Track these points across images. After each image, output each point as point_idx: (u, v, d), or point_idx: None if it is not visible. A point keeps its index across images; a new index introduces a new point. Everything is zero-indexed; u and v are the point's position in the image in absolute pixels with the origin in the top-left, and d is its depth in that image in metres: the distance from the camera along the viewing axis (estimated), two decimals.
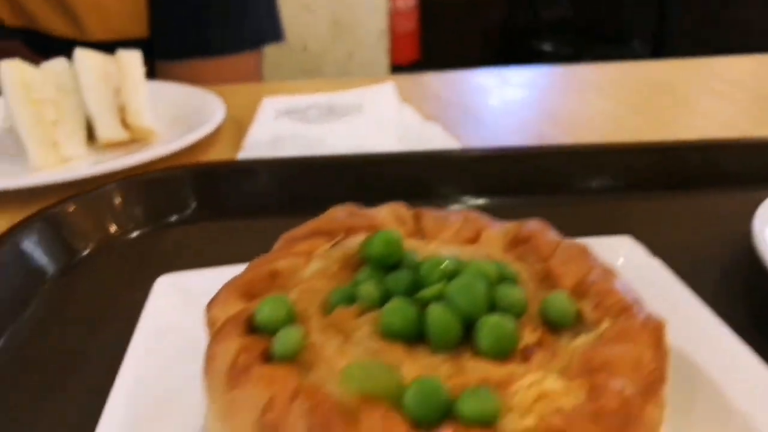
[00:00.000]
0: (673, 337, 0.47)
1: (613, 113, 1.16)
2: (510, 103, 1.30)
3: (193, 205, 0.77)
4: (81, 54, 1.02)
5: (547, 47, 3.82)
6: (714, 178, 0.77)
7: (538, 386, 0.32)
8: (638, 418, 0.31)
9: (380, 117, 1.14)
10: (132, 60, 1.06)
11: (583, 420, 0.30)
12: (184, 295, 0.55)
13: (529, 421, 0.30)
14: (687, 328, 0.48)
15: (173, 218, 0.76)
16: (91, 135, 1.06)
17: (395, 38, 3.34)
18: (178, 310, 0.53)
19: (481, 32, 4.03)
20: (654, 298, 0.43)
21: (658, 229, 0.65)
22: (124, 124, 1.06)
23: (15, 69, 0.98)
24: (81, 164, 1.00)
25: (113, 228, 0.73)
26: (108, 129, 1.04)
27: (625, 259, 0.56)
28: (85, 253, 0.70)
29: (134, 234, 0.74)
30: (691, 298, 0.51)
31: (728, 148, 0.81)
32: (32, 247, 0.66)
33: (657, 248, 0.56)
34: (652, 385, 0.33)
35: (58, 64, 1.03)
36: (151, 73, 1.52)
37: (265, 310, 0.37)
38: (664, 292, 0.52)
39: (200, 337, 0.41)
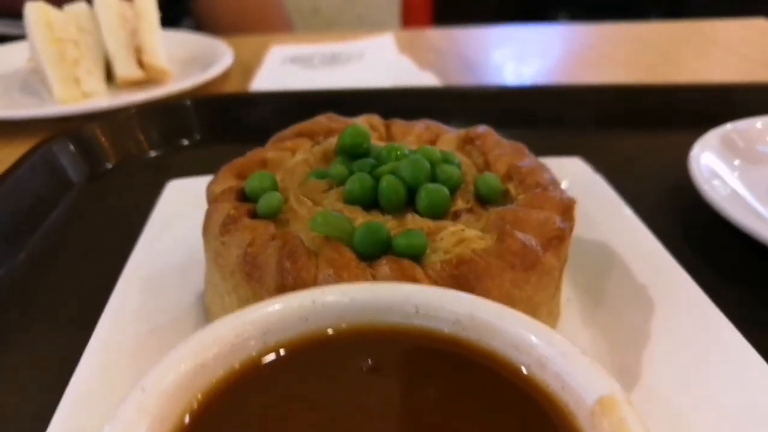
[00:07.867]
0: (597, 231, 0.56)
1: (605, 71, 1.22)
2: (507, 56, 1.37)
3: (200, 130, 0.87)
4: None
5: (563, 18, 3.82)
6: (668, 118, 0.85)
7: (459, 234, 0.41)
8: (537, 260, 0.40)
9: (378, 64, 1.22)
10: (147, 3, 1.14)
11: (489, 255, 0.39)
12: (190, 194, 0.64)
13: (448, 256, 0.39)
14: (611, 223, 0.56)
15: (183, 142, 0.86)
16: (109, 76, 1.15)
17: (406, 3, 3.37)
18: (185, 205, 0.62)
19: None
20: (588, 200, 0.52)
21: (613, 158, 0.72)
22: (140, 64, 1.14)
23: (39, 10, 1.07)
24: (101, 99, 1.09)
25: (131, 148, 0.83)
26: (125, 67, 1.13)
27: (572, 174, 0.65)
28: (108, 167, 0.79)
29: (150, 153, 0.83)
30: (621, 204, 0.60)
31: (680, 90, 0.89)
32: (61, 158, 0.76)
33: (608, 172, 0.64)
34: (553, 240, 0.42)
35: (78, 6, 1.11)
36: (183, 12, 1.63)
37: (254, 181, 0.46)
38: (600, 199, 0.60)
39: (200, 224, 0.49)
